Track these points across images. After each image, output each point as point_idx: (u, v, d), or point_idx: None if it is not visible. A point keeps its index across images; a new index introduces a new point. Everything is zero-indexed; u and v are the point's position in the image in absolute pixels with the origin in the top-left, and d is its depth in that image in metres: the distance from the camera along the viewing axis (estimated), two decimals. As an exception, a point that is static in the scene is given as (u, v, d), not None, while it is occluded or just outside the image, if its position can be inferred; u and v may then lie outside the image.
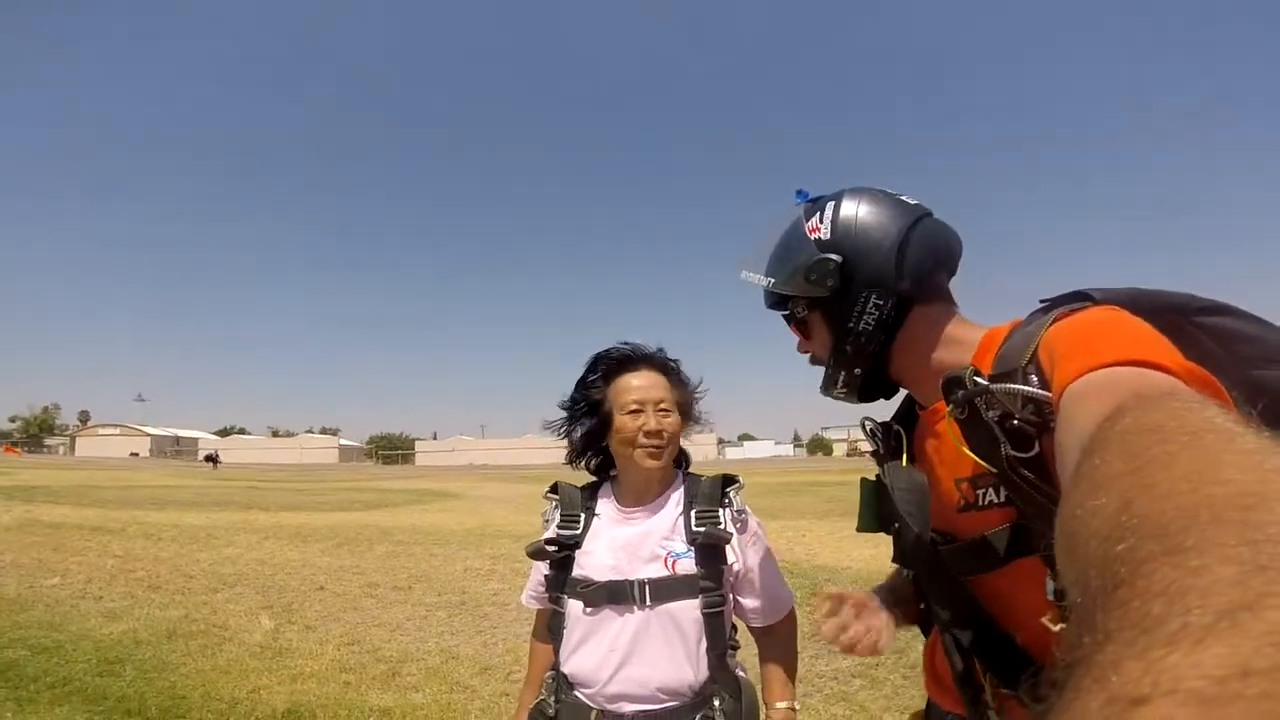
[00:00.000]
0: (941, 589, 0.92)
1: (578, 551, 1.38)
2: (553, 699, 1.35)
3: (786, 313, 1.04)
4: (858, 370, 0.97)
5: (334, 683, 3.64)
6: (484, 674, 3.83)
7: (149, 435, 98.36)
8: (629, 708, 1.28)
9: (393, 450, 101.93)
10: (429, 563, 7.46)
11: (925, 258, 0.92)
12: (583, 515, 1.42)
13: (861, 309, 0.92)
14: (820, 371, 1.03)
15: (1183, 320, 0.76)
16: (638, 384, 1.40)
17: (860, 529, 1.07)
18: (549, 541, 1.40)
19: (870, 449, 1.06)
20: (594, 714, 1.30)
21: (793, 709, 1.37)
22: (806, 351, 1.05)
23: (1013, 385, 0.73)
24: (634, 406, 1.37)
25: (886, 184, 1.01)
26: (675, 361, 1.49)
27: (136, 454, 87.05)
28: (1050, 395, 0.67)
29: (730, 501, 1.38)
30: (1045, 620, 0.74)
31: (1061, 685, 0.22)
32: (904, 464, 0.96)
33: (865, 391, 1.01)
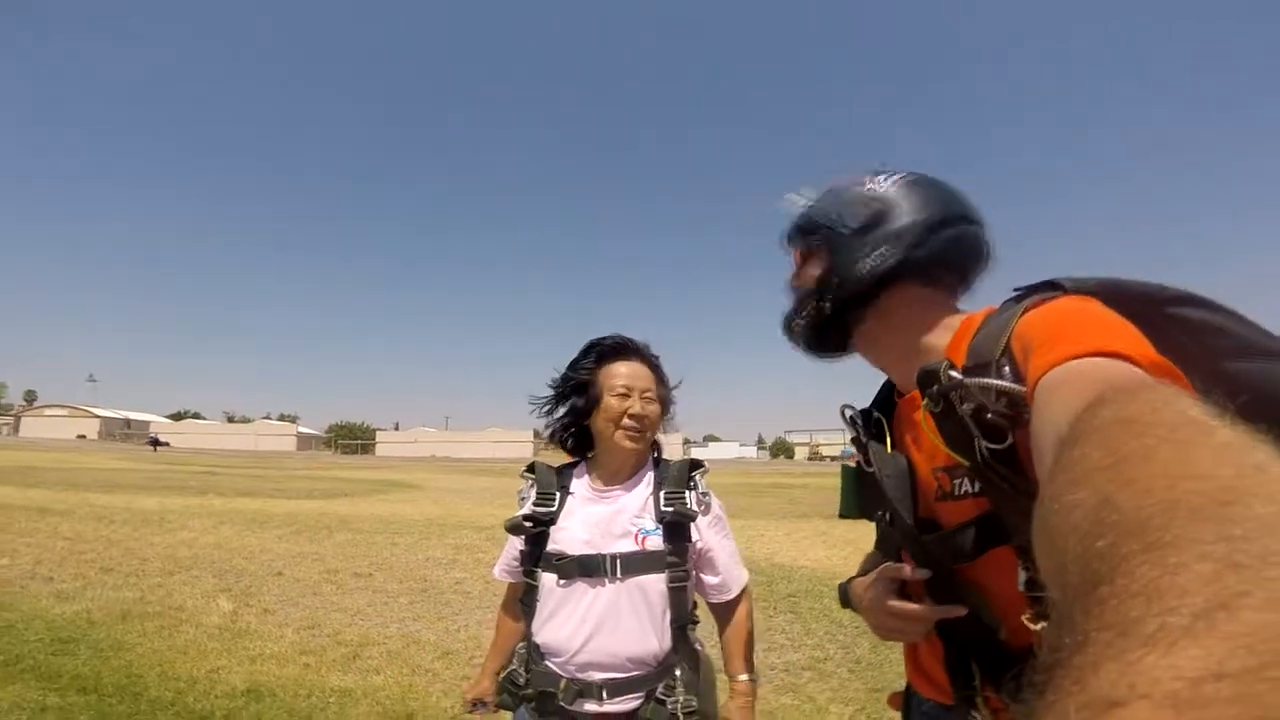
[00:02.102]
0: (937, 585, 0.90)
1: (552, 527, 1.46)
2: (524, 669, 1.43)
3: (797, 241, 1.03)
4: (828, 306, 0.95)
5: (293, 664, 3.66)
6: (446, 658, 3.88)
7: (98, 417, 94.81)
8: (597, 675, 1.36)
9: (353, 440, 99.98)
10: (390, 551, 7.43)
11: (952, 248, 0.92)
12: (558, 494, 1.50)
13: (869, 253, 0.91)
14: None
15: (1154, 311, 0.75)
16: (627, 371, 1.50)
17: (842, 515, 1.09)
18: (526, 517, 1.48)
19: (851, 435, 1.04)
20: (564, 682, 1.37)
21: (752, 680, 1.47)
22: (795, 283, 1.03)
23: (986, 380, 0.73)
24: (622, 390, 1.47)
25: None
26: (658, 358, 1.60)
27: (84, 436, 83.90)
28: (1024, 389, 0.67)
29: (695, 484, 1.48)
30: (1025, 619, 0.74)
31: (1041, 687, 0.22)
32: (889, 450, 0.96)
33: (822, 333, 0.99)
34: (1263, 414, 0.43)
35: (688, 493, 1.45)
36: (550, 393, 1.58)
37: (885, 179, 0.96)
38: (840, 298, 0.94)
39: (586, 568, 1.40)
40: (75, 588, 5.02)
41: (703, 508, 1.46)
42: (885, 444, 0.97)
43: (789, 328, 1.02)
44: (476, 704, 1.56)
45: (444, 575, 6.18)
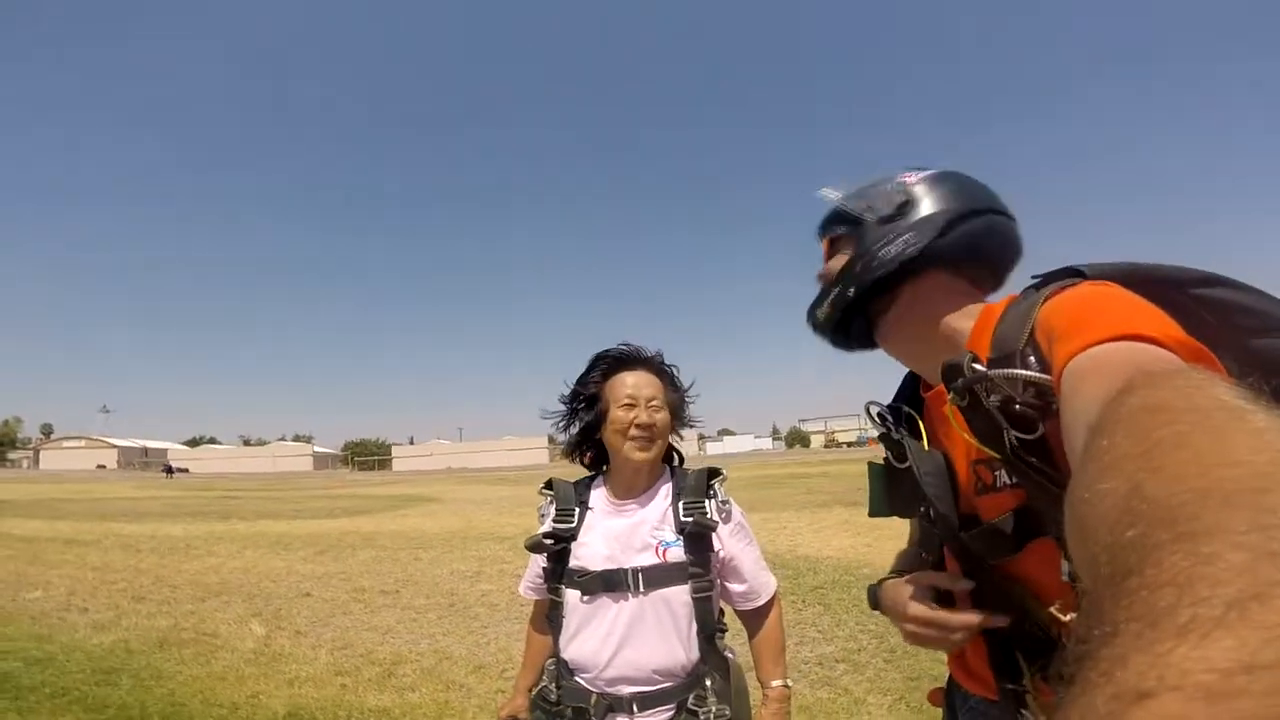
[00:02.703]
0: (981, 581, 0.88)
1: (573, 544, 1.46)
2: (554, 685, 1.44)
3: (828, 233, 1.03)
4: (852, 291, 0.94)
5: (330, 686, 3.70)
6: (478, 672, 3.91)
7: (115, 447, 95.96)
8: (627, 689, 1.37)
9: (369, 456, 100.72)
10: (414, 566, 7.49)
11: (979, 238, 0.91)
12: (577, 509, 1.50)
13: (891, 240, 0.91)
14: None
15: (1177, 293, 0.74)
16: (632, 381, 1.50)
17: (872, 514, 1.05)
18: (546, 535, 1.48)
19: (879, 432, 1.02)
20: (594, 697, 1.37)
21: (786, 686, 1.47)
22: (823, 273, 1.03)
23: (1012, 370, 0.72)
24: (627, 400, 1.46)
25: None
26: (672, 366, 1.59)
27: (103, 466, 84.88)
28: (1050, 379, 0.66)
29: (715, 493, 1.48)
30: (1054, 610, 0.74)
31: (1070, 679, 0.22)
32: (925, 446, 0.94)
33: (845, 323, 0.98)
34: None
35: (707, 501, 1.45)
36: (562, 408, 1.58)
37: (917, 174, 0.95)
38: (863, 284, 0.93)
39: (609, 583, 1.40)
40: (110, 617, 5.10)
41: (723, 516, 1.46)
42: (919, 439, 0.95)
43: (813, 316, 1.02)
44: None
45: (470, 588, 6.23)
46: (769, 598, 1.52)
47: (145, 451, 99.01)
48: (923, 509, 0.95)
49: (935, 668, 3.47)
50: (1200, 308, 0.74)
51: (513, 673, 3.85)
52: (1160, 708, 0.18)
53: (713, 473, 1.51)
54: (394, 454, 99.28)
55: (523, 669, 1.65)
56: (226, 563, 7.77)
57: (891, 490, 1.00)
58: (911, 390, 1.03)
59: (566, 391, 1.58)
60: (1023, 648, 0.83)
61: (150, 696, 3.44)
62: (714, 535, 1.44)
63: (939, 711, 1.10)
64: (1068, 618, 0.73)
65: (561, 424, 1.58)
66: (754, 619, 1.53)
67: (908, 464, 0.94)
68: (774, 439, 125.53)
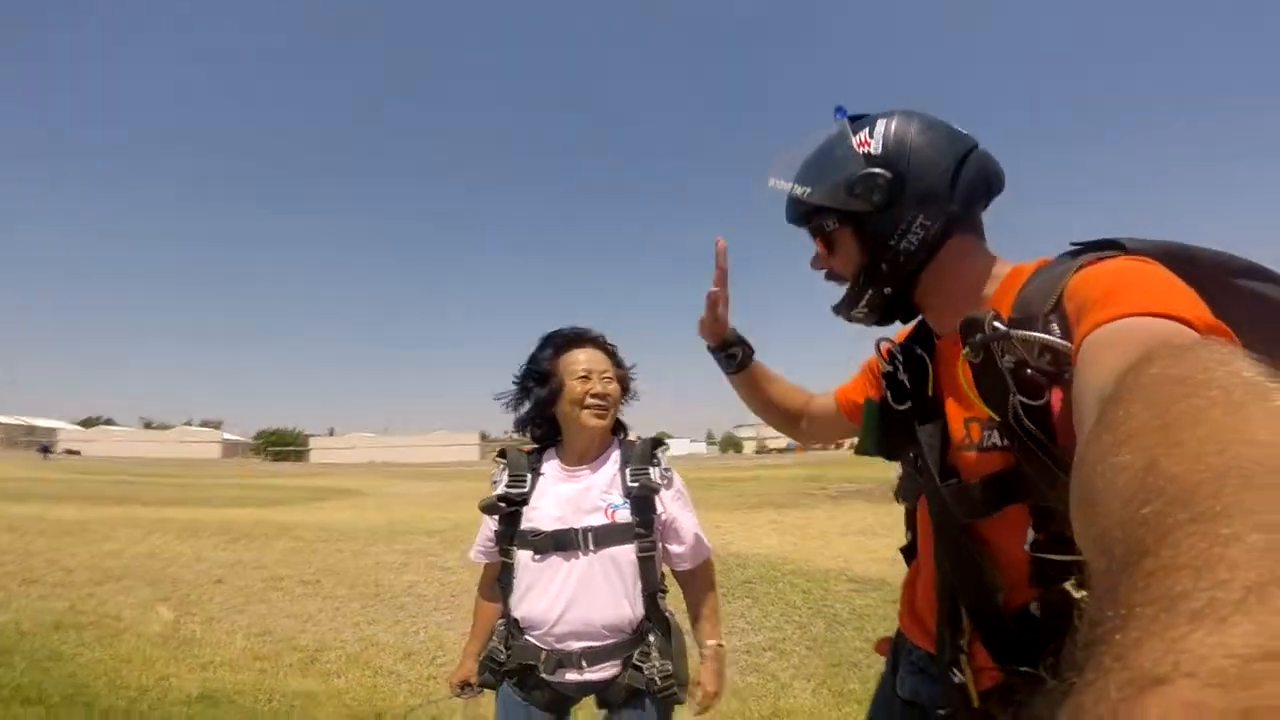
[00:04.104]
0: (944, 532, 0.89)
1: (525, 507, 1.53)
2: (503, 645, 1.49)
3: (810, 225, 0.99)
4: (888, 290, 0.93)
5: (248, 670, 3.55)
6: (408, 659, 3.83)
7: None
8: (576, 645, 1.43)
9: (284, 446, 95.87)
10: (336, 558, 7.20)
11: (977, 185, 0.90)
12: (529, 475, 1.56)
13: (907, 227, 0.88)
14: (835, 290, 1.00)
15: (1219, 280, 0.71)
16: (584, 357, 1.59)
17: (860, 452, 1.07)
18: (500, 497, 1.54)
19: (887, 369, 1.01)
20: (544, 654, 1.43)
21: (721, 645, 1.57)
22: (825, 268, 1.00)
23: (1033, 333, 0.71)
24: (582, 373, 1.56)
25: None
26: (614, 345, 1.70)
27: (-20, 444, 77.62)
28: (1070, 346, 0.65)
29: (658, 461, 1.57)
30: (1068, 585, 0.74)
31: (1081, 663, 0.21)
32: (929, 390, 0.95)
33: (889, 313, 0.98)
34: None
35: (651, 469, 1.54)
36: (514, 388, 1.65)
37: (872, 134, 0.91)
38: (899, 282, 0.92)
39: (560, 542, 1.47)
40: (-2, 599, 4.70)
41: (665, 481, 1.55)
42: (925, 382, 0.95)
43: (847, 315, 0.99)
44: (463, 687, 1.60)
45: (396, 579, 6.05)
46: (705, 560, 1.62)
47: (30, 429, 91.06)
48: (911, 455, 0.96)
49: (855, 655, 3.66)
50: (1238, 298, 0.71)
51: (444, 660, 3.83)
52: (1175, 694, 0.17)
53: (657, 442, 1.62)
54: (312, 445, 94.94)
55: (471, 637, 1.67)
56: (128, 548, 7.26)
57: (885, 429, 1.01)
58: (925, 332, 1.01)
59: (517, 374, 1.64)
60: (970, 609, 0.85)
61: (48, 678, 3.21)
62: (657, 498, 1.52)
63: (858, 693, 1.15)
64: (1079, 595, 0.73)
65: (513, 402, 1.65)
66: (691, 580, 1.62)
67: (905, 406, 0.96)
68: (709, 443, 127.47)
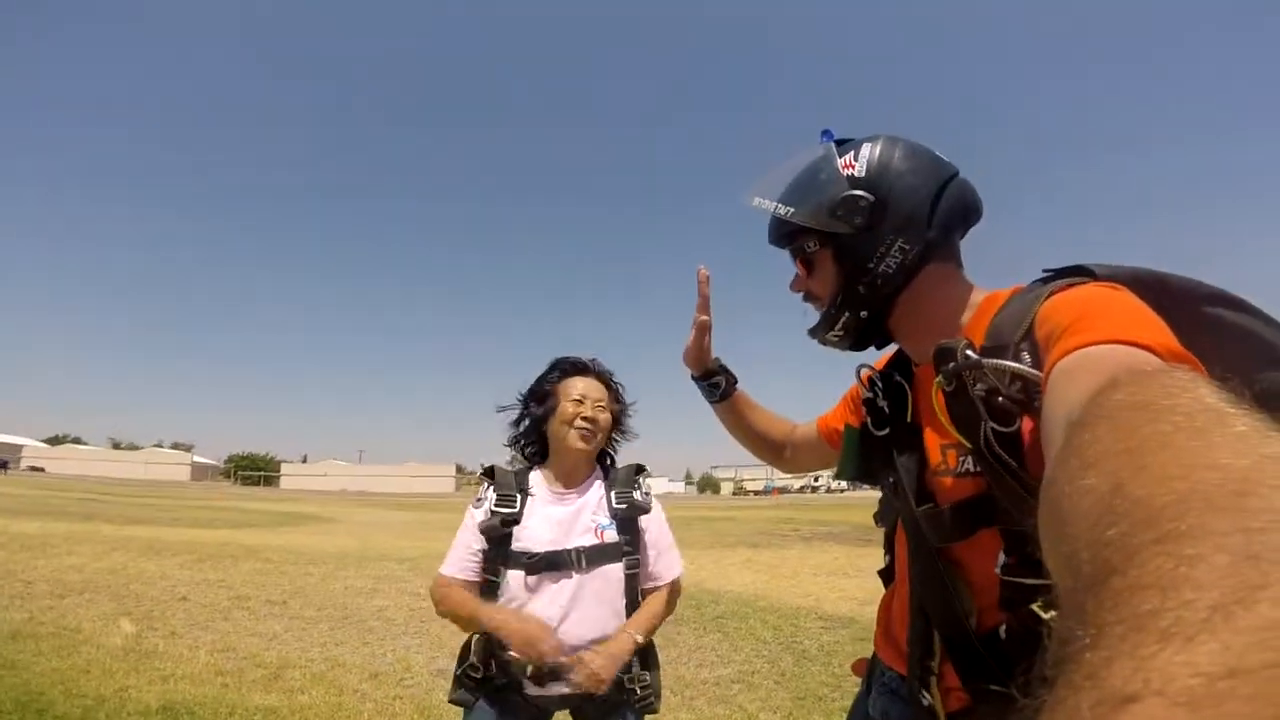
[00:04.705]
0: (919, 555, 0.90)
1: (516, 527, 1.55)
2: (481, 662, 1.48)
3: (792, 246, 0.99)
4: (864, 313, 0.93)
5: (210, 684, 3.49)
6: (374, 679, 3.78)
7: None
8: (564, 659, 1.43)
9: (254, 471, 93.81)
10: (304, 580, 7.08)
11: (956, 213, 0.90)
12: (518, 495, 1.59)
13: (886, 251, 0.88)
14: (811, 312, 1.00)
15: (1186, 308, 0.72)
16: (583, 384, 1.67)
17: (839, 476, 1.09)
18: (499, 519, 1.54)
19: (867, 395, 1.02)
20: (529, 668, 1.43)
21: (636, 639, 1.52)
22: (802, 290, 1.00)
23: (1004, 362, 0.72)
24: (577, 397, 1.63)
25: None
26: (618, 383, 1.77)
27: (-63, 458, 75.12)
28: (1040, 375, 0.65)
29: (639, 485, 1.66)
30: (1035, 607, 0.74)
31: (1052, 682, 0.22)
32: (908, 417, 0.95)
33: (863, 337, 0.97)
34: None
35: (634, 492, 1.63)
36: (518, 400, 1.73)
37: (856, 157, 0.91)
38: (875, 306, 0.93)
39: (554, 563, 1.51)
40: (-47, 609, 4.58)
41: (647, 503, 1.64)
42: (904, 410, 0.96)
43: (821, 338, 1.00)
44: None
45: (365, 603, 5.97)
46: (674, 577, 1.66)
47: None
48: (890, 479, 0.97)
49: (821, 689, 3.69)
50: (1206, 326, 0.72)
51: (410, 681, 3.80)
52: (1145, 712, 0.18)
53: (639, 469, 1.70)
54: (283, 470, 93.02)
55: (479, 609, 1.50)
56: (90, 563, 7.09)
57: (864, 454, 1.02)
58: (904, 359, 1.02)
59: (520, 393, 1.72)
60: (942, 631, 0.85)
61: (2, 685, 3.14)
62: (641, 518, 1.61)
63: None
64: (1048, 616, 0.73)
65: (515, 417, 1.73)
66: (655, 592, 1.64)
67: (885, 432, 0.98)
68: (686, 483, 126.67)
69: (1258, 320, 0.74)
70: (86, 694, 3.15)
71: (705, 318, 1.23)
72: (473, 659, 1.50)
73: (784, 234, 0.99)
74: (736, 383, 1.32)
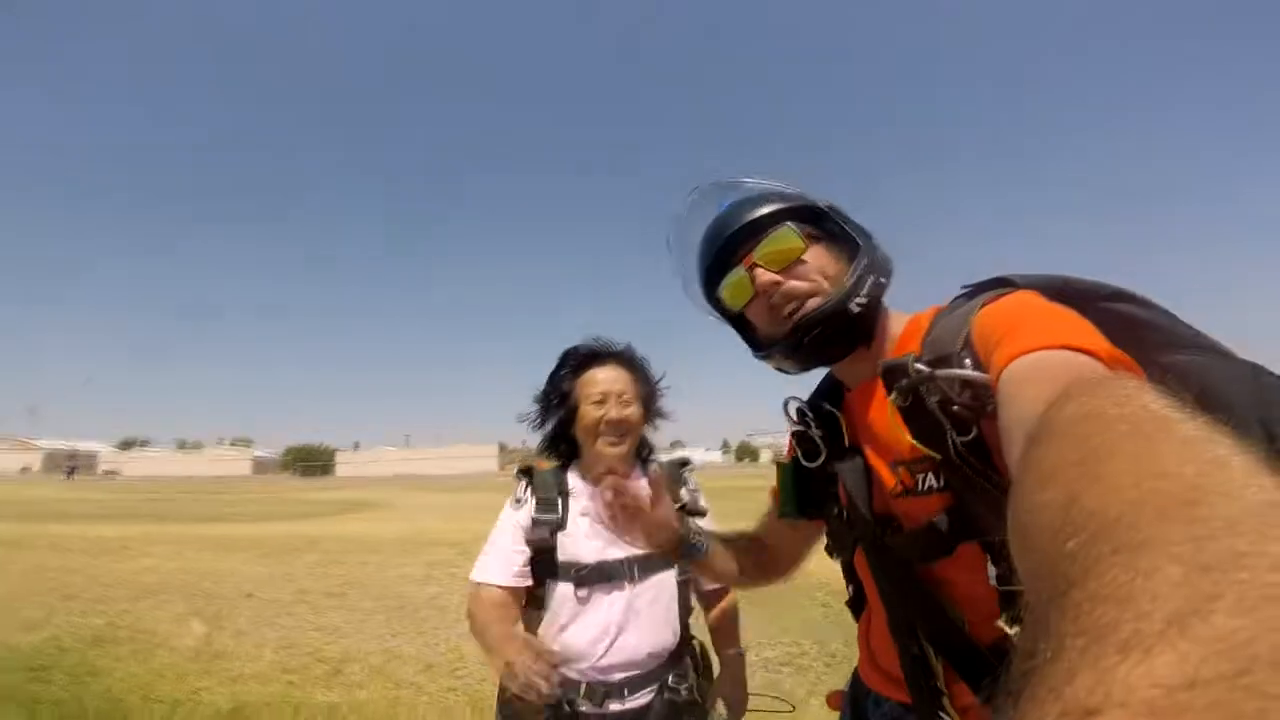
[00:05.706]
0: (892, 578, 0.89)
1: (561, 534, 1.44)
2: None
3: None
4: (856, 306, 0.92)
5: (276, 683, 3.66)
6: (428, 671, 3.91)
7: (40, 449, 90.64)
8: (619, 675, 1.37)
9: (312, 462, 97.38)
10: (361, 570, 7.34)
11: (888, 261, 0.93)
12: (559, 498, 1.49)
13: (878, 274, 0.90)
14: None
15: (1090, 305, 0.75)
16: (602, 376, 1.51)
17: (782, 515, 1.04)
18: (542, 525, 1.45)
19: (797, 429, 1.01)
20: (584, 686, 1.36)
21: (741, 653, 1.56)
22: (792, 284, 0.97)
23: (955, 370, 0.73)
24: (598, 397, 1.48)
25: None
26: (642, 358, 1.61)
27: (27, 469, 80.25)
28: (989, 378, 0.67)
29: (686, 481, 1.56)
30: (1000, 622, 0.75)
31: (1016, 694, 0.22)
32: (845, 444, 0.94)
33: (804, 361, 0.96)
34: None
35: (681, 490, 1.53)
36: (536, 407, 1.59)
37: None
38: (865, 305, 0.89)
39: (606, 573, 1.41)
40: (40, 616, 4.89)
41: (695, 501, 1.54)
42: (839, 437, 0.95)
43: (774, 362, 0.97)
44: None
45: (419, 591, 6.16)
46: None
47: (74, 454, 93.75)
48: (836, 510, 0.96)
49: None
50: (1110, 321, 0.74)
51: (464, 671, 3.90)
52: None
53: (683, 463, 1.60)
54: (338, 460, 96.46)
55: (490, 644, 1.37)
56: (163, 564, 7.48)
57: (804, 489, 1.00)
58: (832, 387, 1.01)
59: (535, 393, 1.59)
60: (941, 650, 0.83)
61: (87, 693, 3.35)
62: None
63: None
64: (1012, 630, 0.74)
65: (536, 422, 1.59)
66: (715, 597, 1.61)
67: (818, 462, 0.96)
68: (723, 452, 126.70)
69: (1151, 311, 0.79)
70: (162, 698, 3.33)
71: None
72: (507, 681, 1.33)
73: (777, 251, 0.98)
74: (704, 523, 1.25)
